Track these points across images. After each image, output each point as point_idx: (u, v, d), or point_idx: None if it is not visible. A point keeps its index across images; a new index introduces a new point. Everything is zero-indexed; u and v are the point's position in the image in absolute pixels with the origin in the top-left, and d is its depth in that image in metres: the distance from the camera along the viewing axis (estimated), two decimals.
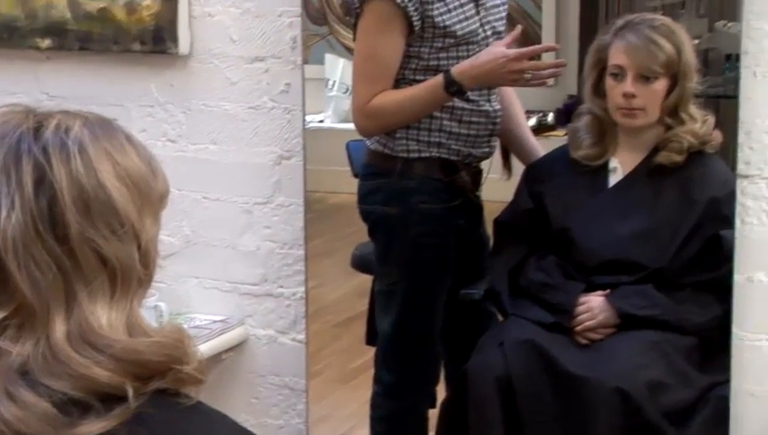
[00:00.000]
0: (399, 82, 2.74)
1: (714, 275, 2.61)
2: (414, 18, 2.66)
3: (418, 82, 2.73)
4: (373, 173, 2.84)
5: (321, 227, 3.52)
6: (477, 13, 2.75)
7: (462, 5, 2.72)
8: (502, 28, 2.83)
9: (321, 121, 3.76)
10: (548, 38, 3.70)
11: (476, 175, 2.88)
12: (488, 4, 2.79)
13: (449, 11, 2.69)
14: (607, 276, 2.67)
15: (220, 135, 2.92)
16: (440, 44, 2.71)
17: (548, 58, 3.03)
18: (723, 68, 3.16)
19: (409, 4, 2.64)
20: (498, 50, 2.66)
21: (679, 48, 2.63)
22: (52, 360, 1.13)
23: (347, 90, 3.75)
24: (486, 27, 2.77)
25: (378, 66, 2.71)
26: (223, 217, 2.94)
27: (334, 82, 3.80)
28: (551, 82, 2.91)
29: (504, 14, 2.85)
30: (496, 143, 2.90)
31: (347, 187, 3.08)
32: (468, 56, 2.72)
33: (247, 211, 2.92)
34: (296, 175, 2.87)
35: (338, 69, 3.80)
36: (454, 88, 2.66)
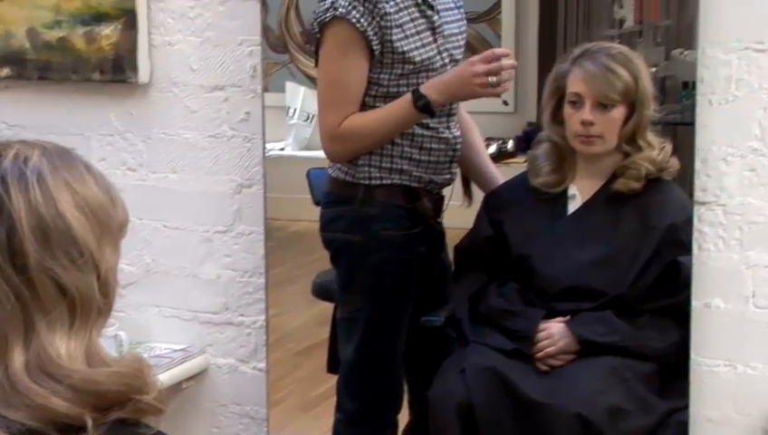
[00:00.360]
0: (359, 109, 2.74)
1: (672, 301, 2.62)
2: (374, 42, 2.68)
3: (377, 108, 2.74)
4: (335, 200, 2.85)
5: (282, 256, 3.51)
6: (435, 40, 2.77)
7: (419, 33, 2.74)
8: (460, 57, 2.85)
9: (282, 149, 3.76)
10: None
11: (438, 202, 2.89)
12: (446, 33, 2.81)
13: (407, 37, 2.72)
14: (567, 303, 2.68)
15: (180, 164, 2.92)
16: (399, 71, 2.73)
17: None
18: (680, 95, 3.19)
19: (369, 28, 2.66)
20: (463, 63, 2.70)
21: (636, 76, 2.66)
22: (10, 390, 1.13)
23: (308, 117, 3.76)
24: (444, 55, 2.79)
25: (344, 90, 2.72)
26: (183, 246, 2.94)
27: (295, 109, 3.81)
28: (510, 108, 2.93)
29: (462, 42, 2.87)
30: (457, 170, 2.92)
31: (308, 214, 3.09)
32: None
33: (207, 240, 2.92)
34: (256, 203, 2.87)
35: (299, 97, 3.81)
36: (422, 101, 2.67)
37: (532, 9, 3.64)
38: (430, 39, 2.77)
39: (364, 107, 2.74)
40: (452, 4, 2.86)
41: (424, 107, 2.68)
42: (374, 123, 2.73)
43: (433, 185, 2.85)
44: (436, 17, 2.78)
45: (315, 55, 2.77)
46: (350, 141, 2.74)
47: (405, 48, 2.71)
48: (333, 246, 2.85)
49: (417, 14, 2.75)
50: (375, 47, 2.68)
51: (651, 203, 2.70)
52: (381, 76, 2.73)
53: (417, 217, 2.82)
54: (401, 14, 2.71)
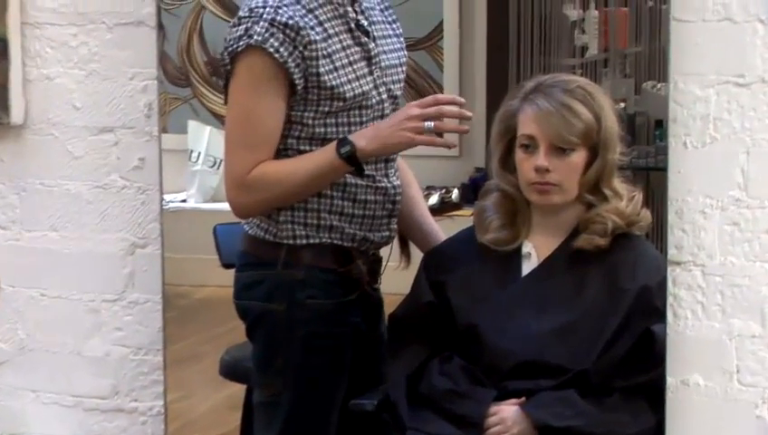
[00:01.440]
0: (280, 154, 2.76)
1: (647, 377, 2.65)
2: (296, 76, 2.70)
3: (303, 153, 2.76)
4: (252, 263, 2.85)
5: (185, 328, 3.53)
6: (371, 72, 2.81)
7: (351, 63, 2.77)
8: (399, 92, 2.89)
9: (184, 201, 3.78)
10: None
11: (374, 264, 2.91)
12: (383, 64, 2.84)
13: (336, 69, 2.74)
14: (522, 381, 2.70)
15: (61, 220, 2.93)
16: (327, 108, 2.75)
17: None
18: (653, 136, 3.24)
19: (289, 60, 2.69)
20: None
21: (598, 114, 2.68)
22: None
23: (214, 163, 3.78)
24: (381, 90, 2.83)
25: (257, 131, 2.73)
26: (65, 318, 2.94)
27: (199, 153, 3.82)
28: (454, 151, 2.96)
29: (402, 75, 2.91)
30: (396, 226, 2.92)
31: (215, 279, 3.10)
32: (361, 122, 2.77)
33: (94, 310, 2.93)
34: (153, 266, 2.89)
35: (203, 138, 3.82)
36: (346, 149, 2.69)
37: (479, 34, 3.66)
38: (366, 71, 2.80)
39: (287, 151, 2.76)
40: (390, 32, 2.91)
41: (348, 156, 2.70)
42: (290, 173, 2.74)
43: (368, 244, 2.87)
44: (372, 45, 2.82)
45: (224, 91, 2.79)
46: (259, 192, 2.74)
47: (334, 82, 2.73)
48: (250, 317, 2.85)
49: (350, 42, 2.78)
50: (297, 81, 2.70)
51: (620, 262, 2.72)
52: (306, 114, 2.75)
53: (350, 283, 2.83)
54: (331, 41, 2.74)
